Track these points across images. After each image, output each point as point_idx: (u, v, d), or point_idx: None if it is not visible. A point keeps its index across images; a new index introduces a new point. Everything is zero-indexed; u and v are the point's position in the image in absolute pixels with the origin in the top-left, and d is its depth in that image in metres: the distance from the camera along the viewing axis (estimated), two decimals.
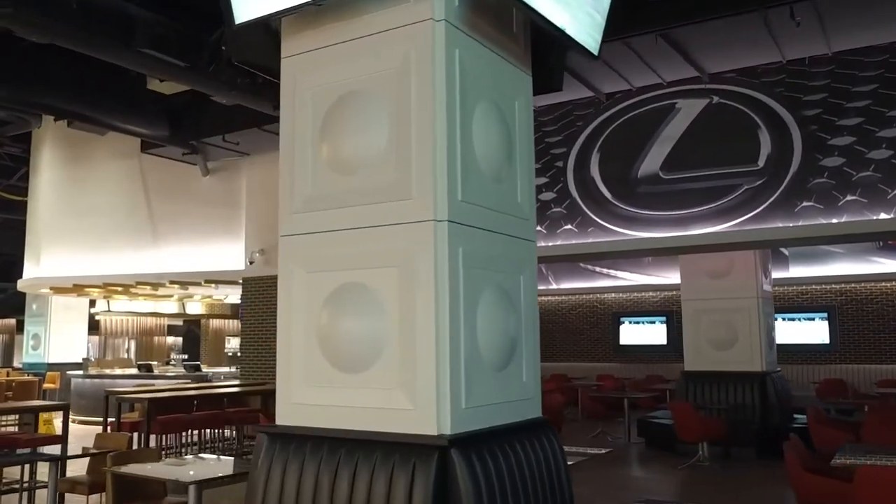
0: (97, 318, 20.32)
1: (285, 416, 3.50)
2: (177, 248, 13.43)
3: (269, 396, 10.39)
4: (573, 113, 11.35)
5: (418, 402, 3.13)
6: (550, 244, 10.92)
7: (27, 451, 7.24)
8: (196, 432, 10.12)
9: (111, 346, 20.61)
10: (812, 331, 16.03)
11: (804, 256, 15.37)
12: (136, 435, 8.75)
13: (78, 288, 15.18)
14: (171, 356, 20.19)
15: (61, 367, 18.75)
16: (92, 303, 19.41)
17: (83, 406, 14.36)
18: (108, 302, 20.37)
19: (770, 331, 11.26)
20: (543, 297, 18.94)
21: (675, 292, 17.48)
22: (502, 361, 3.51)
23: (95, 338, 20.59)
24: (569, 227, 11.10)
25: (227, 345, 23.17)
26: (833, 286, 16.07)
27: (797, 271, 15.76)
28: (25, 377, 13.94)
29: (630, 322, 18.13)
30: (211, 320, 23.22)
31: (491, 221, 3.53)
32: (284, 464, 3.35)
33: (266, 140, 11.30)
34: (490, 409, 3.39)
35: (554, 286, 18.43)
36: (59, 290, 15.20)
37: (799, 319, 16.14)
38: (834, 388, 13.88)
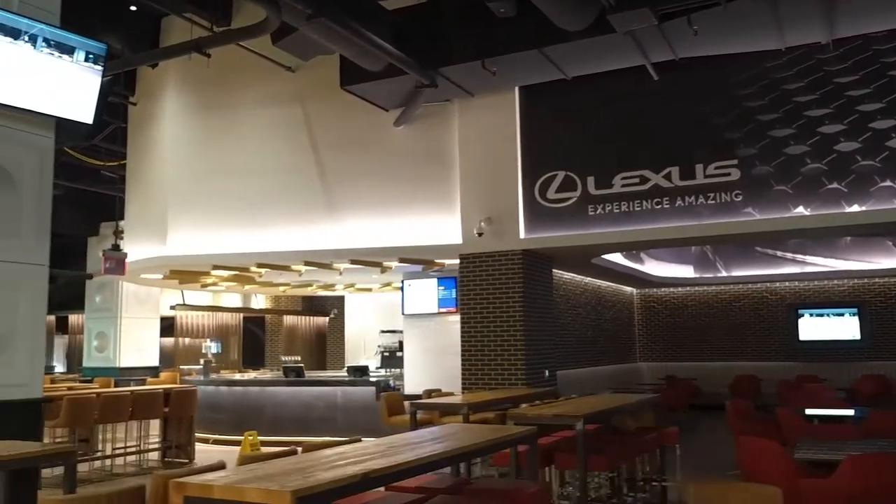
0: (173, 312, 17.12)
1: None
2: (359, 217, 10.56)
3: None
4: (871, 47, 8.83)
5: None
6: (862, 209, 8.35)
7: None
8: None
9: (184, 348, 17.38)
10: None
11: None
12: None
13: (199, 275, 12.12)
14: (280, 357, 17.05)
15: (132, 373, 15.61)
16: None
17: (221, 422, 11.33)
18: (183, 294, 17.21)
19: None
20: (702, 287, 16.50)
21: (865, 280, 15.32)
22: None
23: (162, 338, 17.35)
24: (888, 183, 8.61)
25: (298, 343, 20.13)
26: None
27: None
28: (181, 385, 10.62)
29: (812, 315, 15.83)
30: (285, 316, 20.13)
31: None
32: None
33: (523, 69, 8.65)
34: None
35: (723, 274, 16.03)
36: (182, 276, 12.06)
37: None
38: None
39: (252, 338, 21.21)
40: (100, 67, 5.81)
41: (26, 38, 5.36)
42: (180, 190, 11.39)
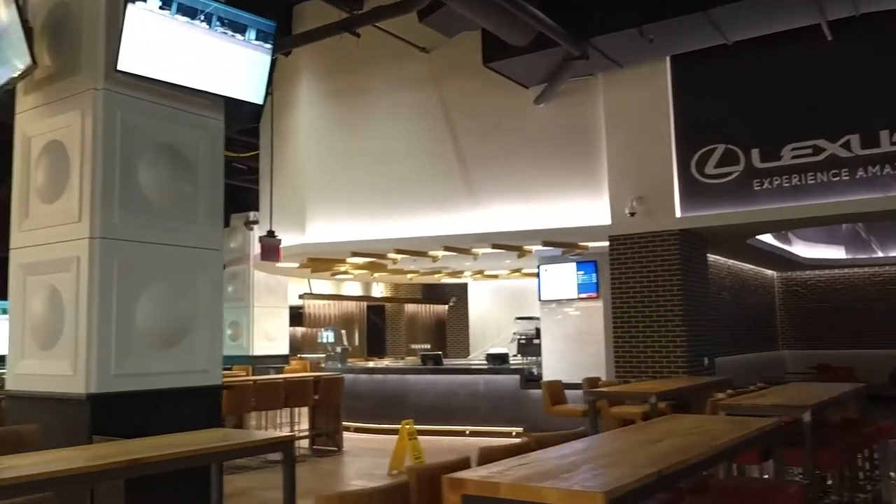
0: (301, 302, 17.32)
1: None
2: (499, 199, 10.20)
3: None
4: None
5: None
6: None
7: None
8: None
9: (310, 337, 17.54)
10: None
11: None
12: None
13: (334, 263, 12.09)
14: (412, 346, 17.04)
15: (264, 361, 15.84)
16: None
17: (360, 410, 11.24)
18: (309, 283, 17.38)
19: None
20: (854, 269, 15.28)
21: None
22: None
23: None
24: None
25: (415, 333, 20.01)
26: None
27: None
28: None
29: None
30: (406, 305, 20.07)
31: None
32: None
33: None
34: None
35: (879, 254, 14.79)
36: (317, 264, 12.06)
37: None
38: None
39: (372, 326, 21.32)
40: (269, 46, 5.64)
41: (202, 18, 5.23)
42: (317, 177, 11.33)
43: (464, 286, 17.91)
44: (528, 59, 8.91)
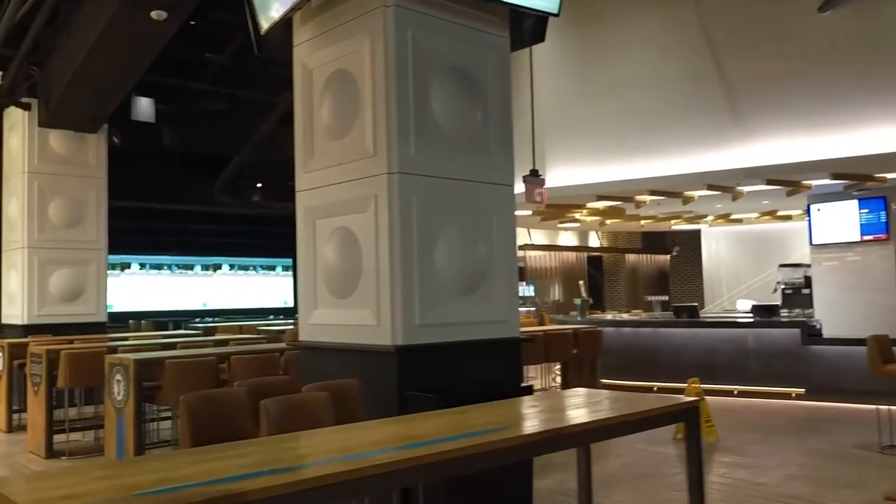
0: (521, 253, 16.81)
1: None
2: (773, 127, 8.85)
3: None
4: None
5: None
6: None
7: None
8: None
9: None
10: None
11: None
12: None
13: (569, 209, 11.29)
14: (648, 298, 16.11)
15: None
16: None
17: (608, 365, 10.44)
18: (529, 232, 16.80)
19: None
20: None
21: None
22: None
23: None
24: None
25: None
26: None
27: None
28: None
29: None
30: (625, 255, 18.99)
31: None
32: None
33: None
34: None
35: None
36: (553, 211, 11.33)
37: None
38: None
39: (589, 278, 20.42)
40: None
41: None
42: (555, 116, 10.50)
43: (696, 233, 16.48)
44: None
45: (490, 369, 4.71)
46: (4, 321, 10.08)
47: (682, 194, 9.86)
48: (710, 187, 9.28)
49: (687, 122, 9.33)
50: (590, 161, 10.01)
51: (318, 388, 3.57)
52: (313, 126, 4.89)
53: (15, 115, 9.82)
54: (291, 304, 20.24)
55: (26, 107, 9.51)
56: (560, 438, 2.69)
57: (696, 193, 9.75)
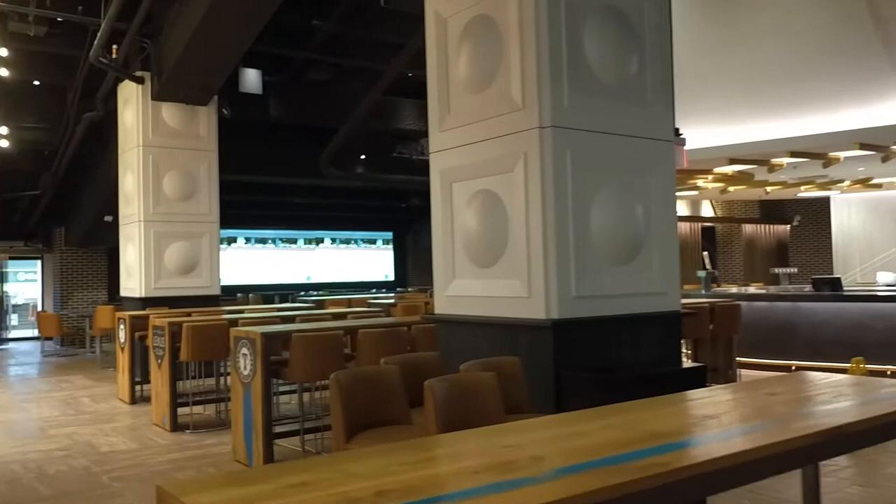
0: None
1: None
2: None
3: None
4: None
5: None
6: None
7: None
8: None
9: None
10: None
11: None
12: None
13: (695, 174, 10.50)
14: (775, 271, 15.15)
15: None
16: None
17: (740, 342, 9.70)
18: None
19: None
20: None
21: None
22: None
23: None
24: None
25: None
26: None
27: None
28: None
29: None
30: (742, 226, 17.89)
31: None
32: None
33: None
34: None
35: None
36: (679, 175, 10.59)
37: None
38: None
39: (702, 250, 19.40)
40: None
41: None
42: (686, 72, 9.69)
43: (823, 201, 15.28)
44: None
45: (648, 346, 4.23)
46: (123, 294, 10.24)
47: (826, 155, 8.95)
48: (862, 146, 8.37)
49: (836, 73, 8.41)
50: (722, 121, 9.23)
51: (481, 366, 3.17)
52: (448, 80, 4.49)
53: (129, 88, 9.86)
54: (392, 278, 20.15)
55: (140, 80, 9.51)
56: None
57: (843, 154, 8.83)
